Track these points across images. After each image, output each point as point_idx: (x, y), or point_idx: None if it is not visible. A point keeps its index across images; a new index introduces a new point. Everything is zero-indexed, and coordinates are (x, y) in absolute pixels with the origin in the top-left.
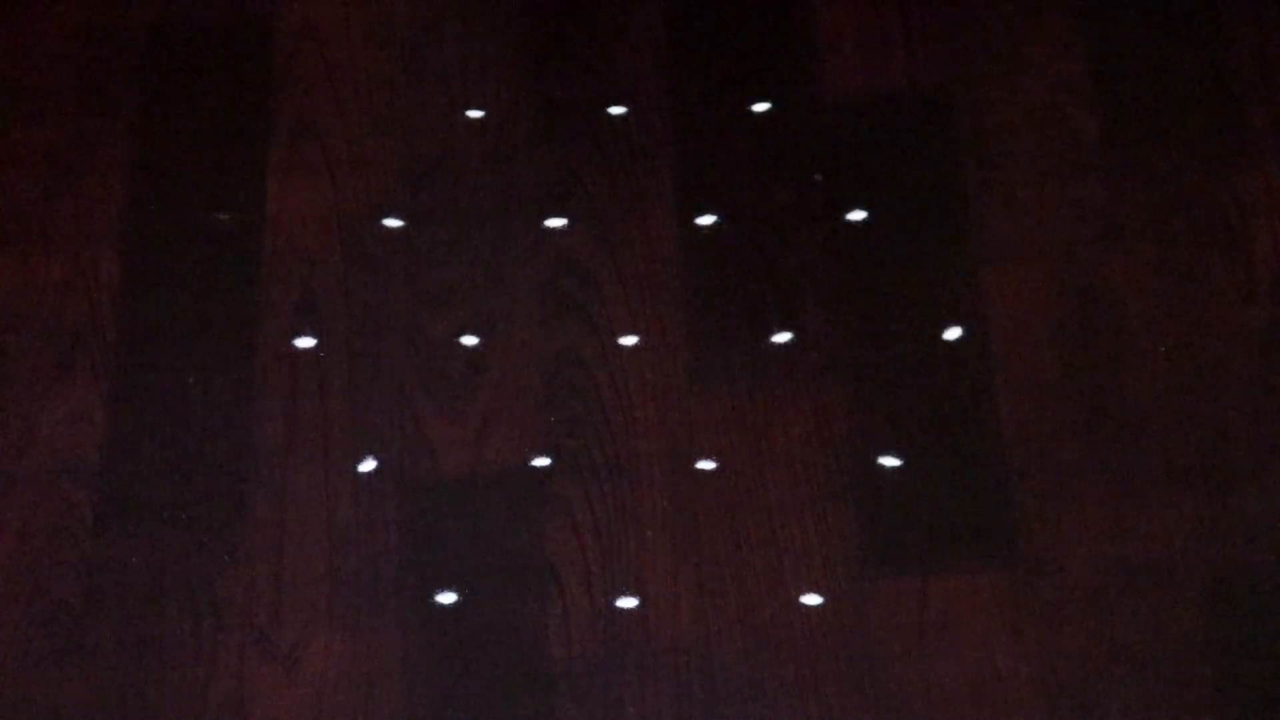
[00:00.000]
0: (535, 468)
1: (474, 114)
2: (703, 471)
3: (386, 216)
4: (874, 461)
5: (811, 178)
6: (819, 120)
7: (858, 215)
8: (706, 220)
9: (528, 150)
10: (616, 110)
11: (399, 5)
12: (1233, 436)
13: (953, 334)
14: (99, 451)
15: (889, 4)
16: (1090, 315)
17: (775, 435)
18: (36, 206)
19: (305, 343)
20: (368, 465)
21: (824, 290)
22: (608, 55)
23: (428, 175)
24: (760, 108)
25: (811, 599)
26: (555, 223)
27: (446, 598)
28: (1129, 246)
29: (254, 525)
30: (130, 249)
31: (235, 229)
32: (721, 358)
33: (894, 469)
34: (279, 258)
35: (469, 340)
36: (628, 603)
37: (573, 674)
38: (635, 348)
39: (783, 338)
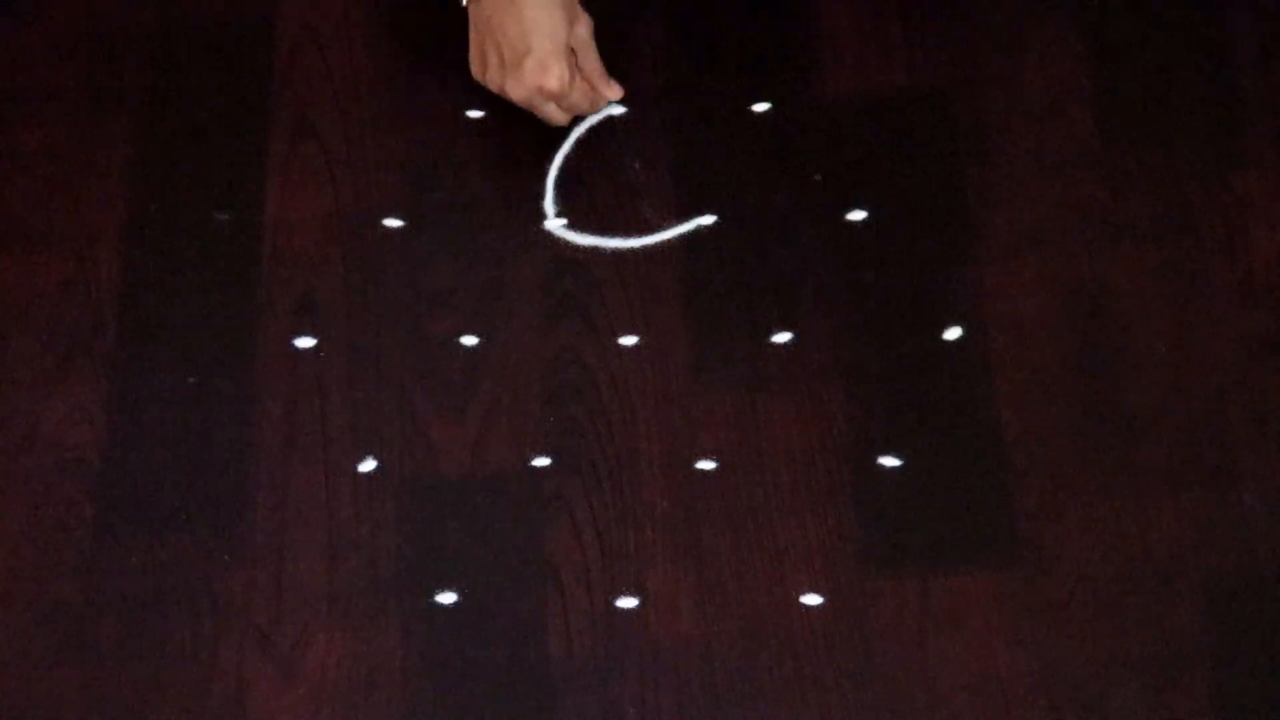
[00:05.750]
0: (535, 468)
1: (474, 114)
2: (703, 471)
3: (386, 216)
4: (874, 461)
5: (811, 178)
6: (819, 120)
7: (858, 215)
8: (706, 220)
9: (528, 150)
10: (616, 110)
11: (399, 5)
12: (1233, 436)
13: (953, 334)
14: (99, 451)
15: (889, 4)
16: (1090, 315)
17: (775, 435)
18: (36, 206)
19: (305, 343)
20: (368, 465)
21: (824, 290)
22: (608, 55)
23: (428, 175)
24: (760, 108)
25: (811, 599)
26: (555, 222)
27: (446, 598)
28: (1129, 246)
29: (254, 525)
30: (130, 249)
31: (235, 229)
32: (721, 358)
33: (894, 469)
34: (279, 258)
35: (469, 340)
36: (628, 603)
37: (573, 674)
38: (635, 348)
39: (783, 338)
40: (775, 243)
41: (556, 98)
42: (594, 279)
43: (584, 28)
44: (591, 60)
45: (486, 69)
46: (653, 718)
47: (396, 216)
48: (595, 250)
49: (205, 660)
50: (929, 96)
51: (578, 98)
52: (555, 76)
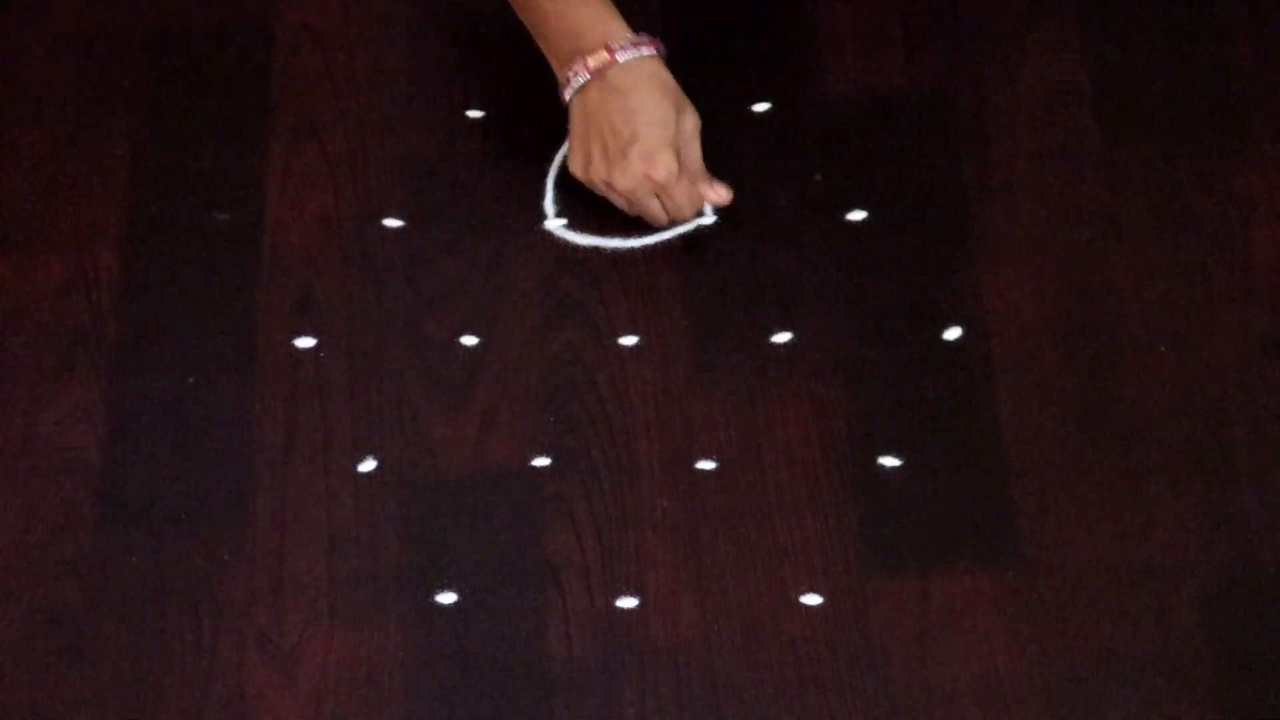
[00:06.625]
0: (535, 468)
1: (474, 114)
2: (703, 471)
3: (386, 216)
4: (874, 461)
5: (811, 178)
6: (819, 120)
7: (858, 215)
8: (707, 220)
9: (528, 150)
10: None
11: (399, 5)
12: (1233, 436)
13: (953, 334)
14: (99, 451)
15: (889, 4)
16: (1090, 315)
17: (775, 435)
18: (36, 206)
19: (305, 343)
20: (368, 465)
21: (824, 290)
22: None
23: (428, 175)
24: (760, 108)
25: (811, 599)
26: (555, 222)
27: (446, 598)
28: (1129, 246)
29: (254, 525)
30: (130, 249)
31: (235, 229)
32: (721, 358)
33: (894, 469)
34: (279, 258)
35: (469, 340)
36: (628, 603)
37: (573, 674)
38: (635, 348)
39: (783, 338)
40: (775, 243)
41: (662, 188)
42: (594, 279)
43: (690, 122)
44: (695, 158)
45: (590, 162)
46: (653, 718)
47: (396, 216)
48: (595, 250)
49: (205, 660)
50: (929, 96)
51: (680, 196)
52: (663, 165)
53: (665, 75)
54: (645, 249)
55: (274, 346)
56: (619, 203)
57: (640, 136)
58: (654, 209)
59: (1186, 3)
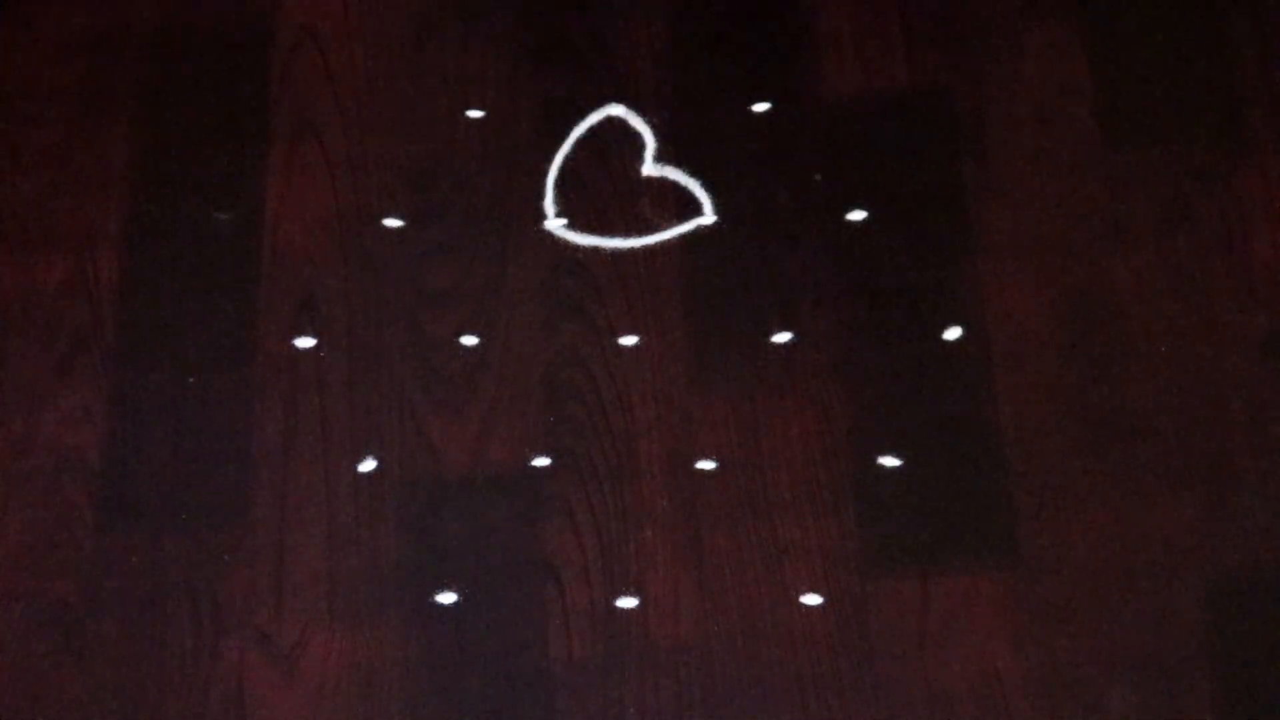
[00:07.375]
0: (535, 468)
1: (474, 114)
2: (703, 471)
3: (386, 216)
4: (874, 461)
5: (812, 178)
6: (819, 120)
7: (858, 215)
8: (706, 220)
9: (528, 150)
10: (616, 110)
11: (399, 5)
12: (1233, 436)
13: (953, 334)
14: (99, 451)
15: (889, 4)
16: (1090, 315)
17: (775, 435)
18: (36, 206)
19: (305, 343)
20: (368, 465)
21: (824, 290)
22: (608, 55)
23: (428, 175)
24: (760, 108)
25: (811, 599)
26: (555, 222)
27: (446, 598)
28: (1129, 246)
29: (254, 525)
30: (130, 249)
31: (235, 229)
32: (721, 358)
33: (894, 469)
34: (279, 258)
35: (469, 340)
36: (628, 603)
37: (573, 674)
38: (635, 348)
39: (783, 338)
40: (775, 243)
41: None
42: (594, 279)
43: None
44: None
45: None
46: (653, 717)
47: (396, 216)
48: (595, 250)
49: (205, 660)
50: (929, 96)
51: None
52: None
53: None
54: (645, 249)
55: (274, 346)
56: None
57: None
58: None
59: (1187, 3)
